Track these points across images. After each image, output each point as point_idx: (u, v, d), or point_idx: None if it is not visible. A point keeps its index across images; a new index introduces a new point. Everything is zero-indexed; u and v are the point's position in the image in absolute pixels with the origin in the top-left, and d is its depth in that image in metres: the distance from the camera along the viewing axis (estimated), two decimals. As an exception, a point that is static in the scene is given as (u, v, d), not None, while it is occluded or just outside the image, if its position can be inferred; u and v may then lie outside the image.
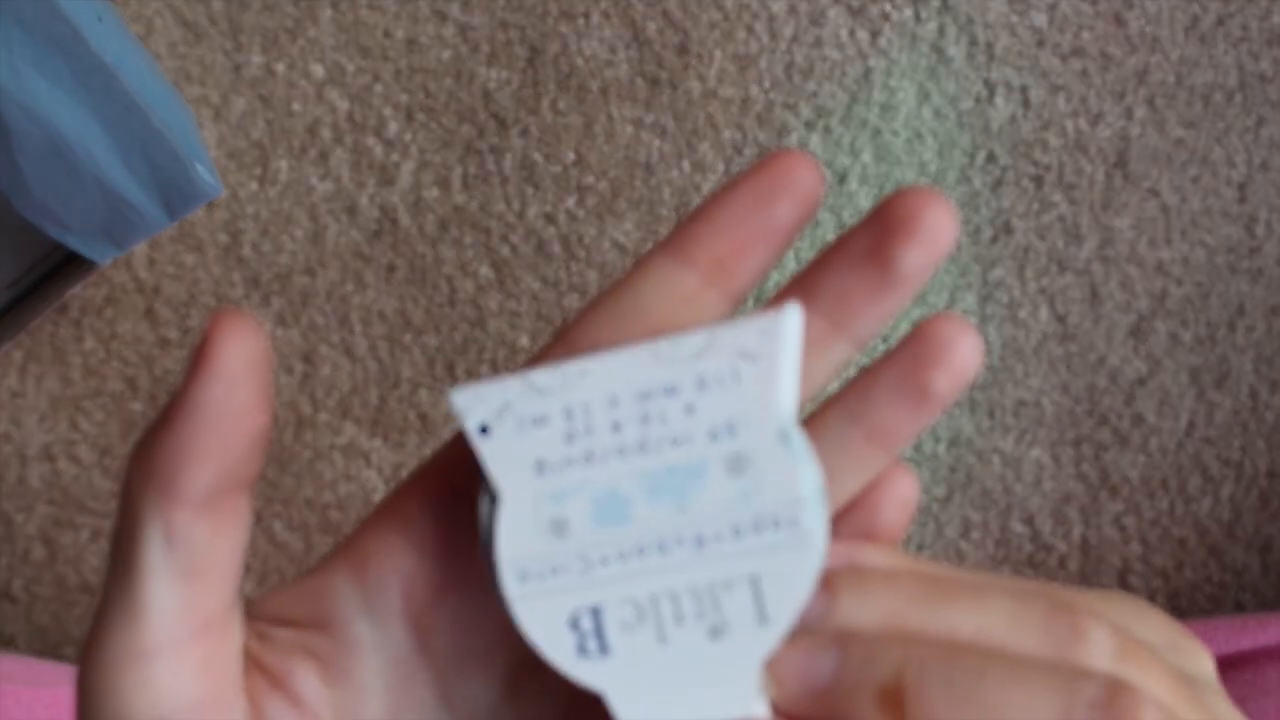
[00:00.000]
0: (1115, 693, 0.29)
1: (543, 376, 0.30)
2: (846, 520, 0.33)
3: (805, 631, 0.30)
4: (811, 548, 0.29)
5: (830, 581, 0.30)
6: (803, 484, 0.29)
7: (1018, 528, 0.76)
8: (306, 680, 0.32)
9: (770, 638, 0.29)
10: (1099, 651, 0.30)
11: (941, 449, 0.75)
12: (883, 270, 0.31)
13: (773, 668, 0.30)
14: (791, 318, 0.30)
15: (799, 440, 0.30)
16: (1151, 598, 0.76)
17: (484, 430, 0.30)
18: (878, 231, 0.31)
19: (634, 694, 0.30)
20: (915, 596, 0.30)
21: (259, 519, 0.77)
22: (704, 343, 0.30)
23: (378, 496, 0.75)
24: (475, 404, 0.30)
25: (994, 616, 0.30)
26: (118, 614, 0.31)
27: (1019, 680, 0.29)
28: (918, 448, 0.75)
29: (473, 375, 0.74)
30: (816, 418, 0.33)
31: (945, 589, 0.30)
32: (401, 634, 0.32)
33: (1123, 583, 0.76)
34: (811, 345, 0.32)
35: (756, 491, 0.30)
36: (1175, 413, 0.75)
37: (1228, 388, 0.75)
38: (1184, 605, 0.76)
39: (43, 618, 0.78)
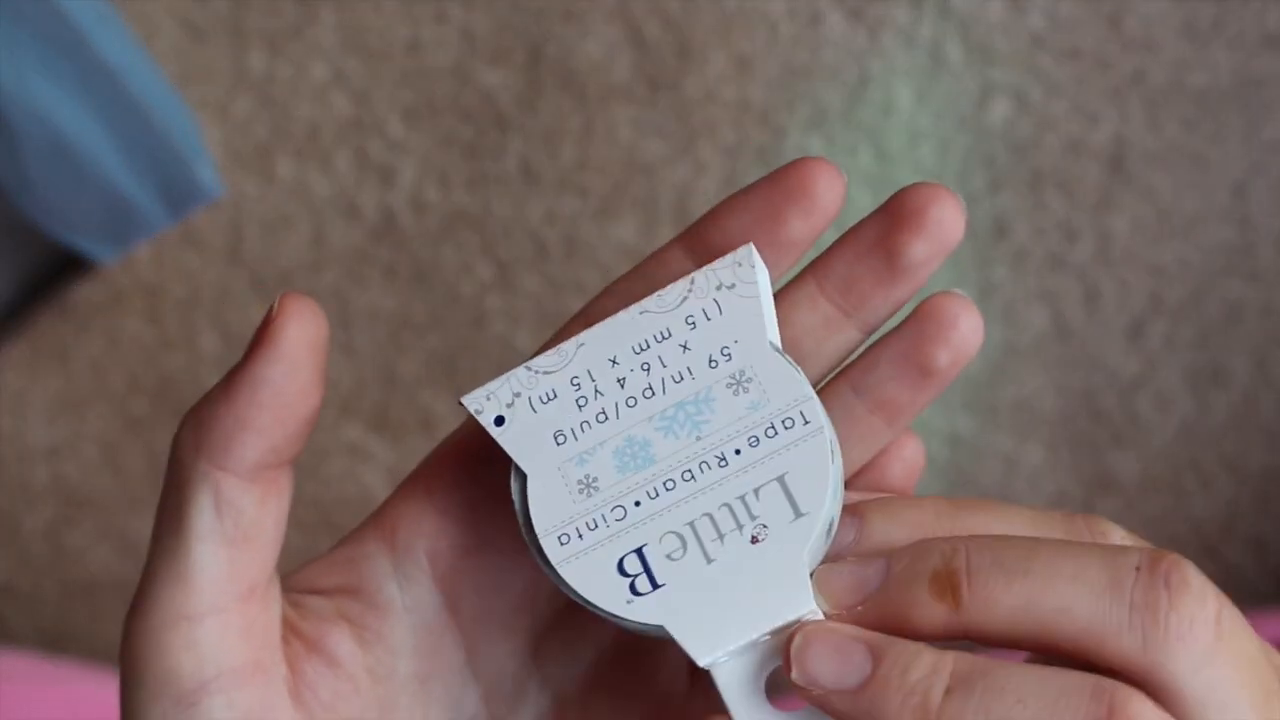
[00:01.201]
0: (1158, 558, 0.30)
1: (543, 360, 0.32)
2: (854, 482, 0.34)
3: (839, 558, 0.31)
4: (823, 434, 0.31)
5: (857, 509, 0.31)
6: (805, 385, 0.31)
7: (1015, 526, 0.76)
8: (341, 643, 0.33)
9: (809, 527, 0.31)
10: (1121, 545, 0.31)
11: (939, 448, 0.75)
12: (890, 260, 0.33)
13: (822, 585, 0.31)
14: (756, 250, 0.32)
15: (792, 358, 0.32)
16: (1148, 596, 0.76)
17: (499, 422, 0.32)
18: (887, 223, 0.33)
19: (694, 619, 0.31)
20: (940, 512, 0.31)
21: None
22: (685, 289, 0.32)
23: (379, 495, 0.76)
24: (486, 402, 0.32)
25: (1016, 522, 0.31)
26: (165, 577, 0.32)
27: (1067, 552, 0.30)
28: (915, 447, 0.75)
29: (473, 375, 0.75)
30: (824, 390, 0.34)
31: (968, 505, 0.31)
32: (430, 597, 0.33)
33: (1119, 581, 0.76)
34: (820, 328, 0.33)
35: (763, 400, 0.31)
36: (1171, 412, 0.75)
37: (1223, 387, 0.75)
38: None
39: (46, 616, 0.79)
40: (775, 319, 0.32)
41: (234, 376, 0.31)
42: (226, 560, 0.32)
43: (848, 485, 0.33)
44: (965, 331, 0.33)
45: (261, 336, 0.31)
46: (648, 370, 0.32)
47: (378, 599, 0.33)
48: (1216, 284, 0.74)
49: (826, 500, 0.31)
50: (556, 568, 0.31)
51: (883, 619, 0.30)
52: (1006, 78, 0.73)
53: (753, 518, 0.31)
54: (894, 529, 0.31)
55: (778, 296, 0.33)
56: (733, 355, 0.32)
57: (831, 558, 0.31)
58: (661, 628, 0.31)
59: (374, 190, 0.74)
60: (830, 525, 0.31)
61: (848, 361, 0.34)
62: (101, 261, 0.73)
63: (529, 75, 0.73)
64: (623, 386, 0.32)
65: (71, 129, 0.68)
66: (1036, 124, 0.73)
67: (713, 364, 0.32)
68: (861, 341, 0.34)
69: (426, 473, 0.34)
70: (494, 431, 0.32)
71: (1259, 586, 0.76)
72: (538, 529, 0.32)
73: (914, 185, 0.33)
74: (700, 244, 0.33)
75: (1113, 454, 0.75)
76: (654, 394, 0.32)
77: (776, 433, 0.31)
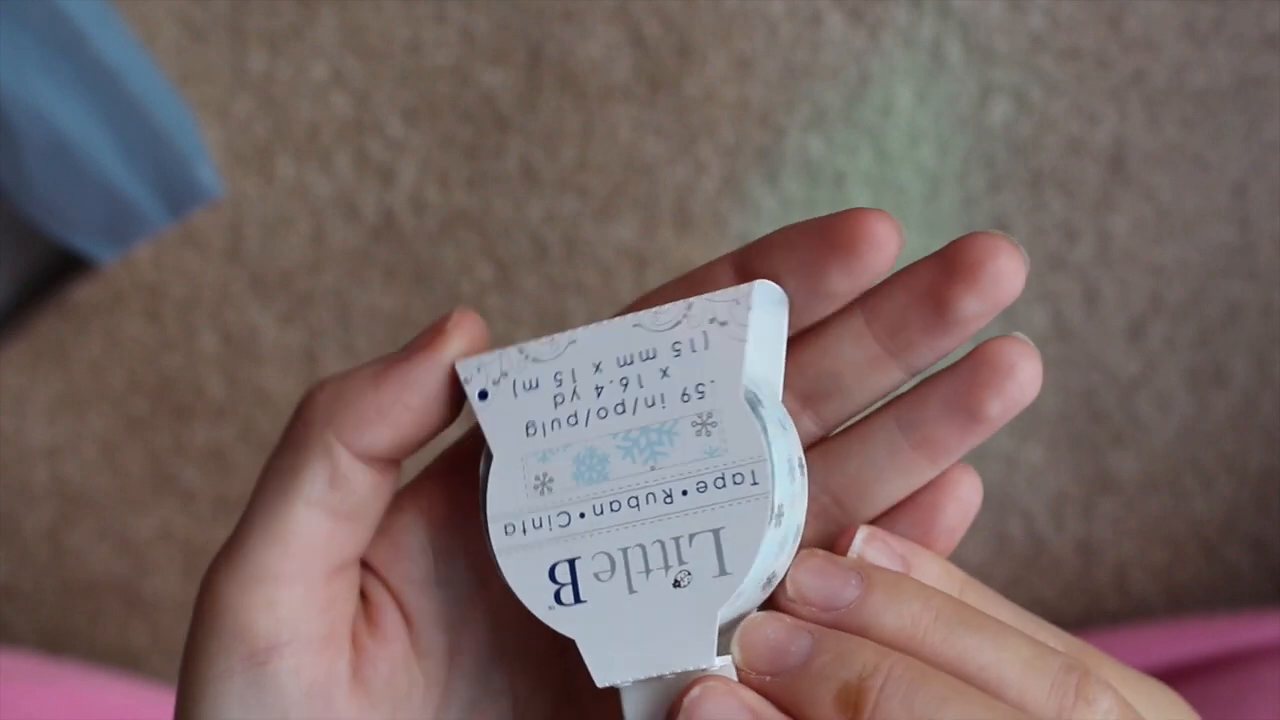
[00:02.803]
0: None
1: (536, 346, 0.32)
2: (906, 516, 0.33)
3: (829, 610, 0.31)
4: (766, 500, 0.30)
5: (869, 576, 0.31)
6: (763, 445, 0.31)
7: (1015, 526, 0.76)
8: (394, 620, 0.34)
9: (729, 588, 0.31)
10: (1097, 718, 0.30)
11: (939, 448, 0.75)
12: (940, 311, 0.32)
13: (745, 635, 0.31)
14: (761, 290, 0.31)
15: (770, 408, 0.31)
16: (1148, 596, 0.76)
17: (483, 396, 0.32)
18: (943, 271, 0.32)
19: (603, 641, 0.31)
20: (941, 615, 0.31)
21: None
22: (681, 313, 0.32)
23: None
24: (476, 373, 0.32)
25: (1008, 656, 0.30)
26: (262, 534, 0.32)
27: (982, 713, 0.29)
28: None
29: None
30: (870, 420, 0.33)
31: (971, 619, 0.31)
32: (464, 572, 0.34)
33: (1119, 581, 0.76)
34: (864, 365, 0.33)
35: (721, 448, 0.31)
36: (1171, 412, 0.75)
37: (1223, 387, 0.75)
38: (1180, 603, 0.77)
39: (47, 616, 0.79)
40: (774, 361, 0.32)
41: (389, 369, 0.32)
42: (327, 532, 0.32)
43: (896, 518, 0.33)
44: (1022, 381, 0.33)
45: (427, 341, 0.32)
46: (625, 386, 0.32)
47: (414, 574, 0.34)
48: (1216, 284, 0.74)
49: (755, 564, 0.30)
50: (496, 555, 0.32)
51: (781, 702, 0.30)
52: (1006, 78, 0.73)
53: (681, 562, 0.31)
54: (887, 615, 0.31)
55: (825, 325, 0.33)
56: (705, 395, 0.31)
57: (819, 613, 0.31)
58: (576, 640, 0.31)
59: (374, 190, 0.74)
60: (769, 579, 0.31)
61: (897, 393, 0.33)
62: (101, 261, 0.73)
63: (529, 75, 0.73)
64: (598, 395, 0.32)
65: (71, 129, 0.68)
66: (1036, 124, 0.73)
67: (685, 398, 0.31)
68: (905, 381, 0.34)
69: (457, 450, 0.34)
70: (475, 404, 0.32)
71: (1259, 586, 0.76)
72: (489, 513, 0.32)
73: (976, 235, 0.32)
74: (747, 267, 0.33)
75: (1113, 454, 0.75)
76: (624, 412, 0.32)
77: (724, 485, 0.31)
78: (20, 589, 0.78)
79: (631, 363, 0.32)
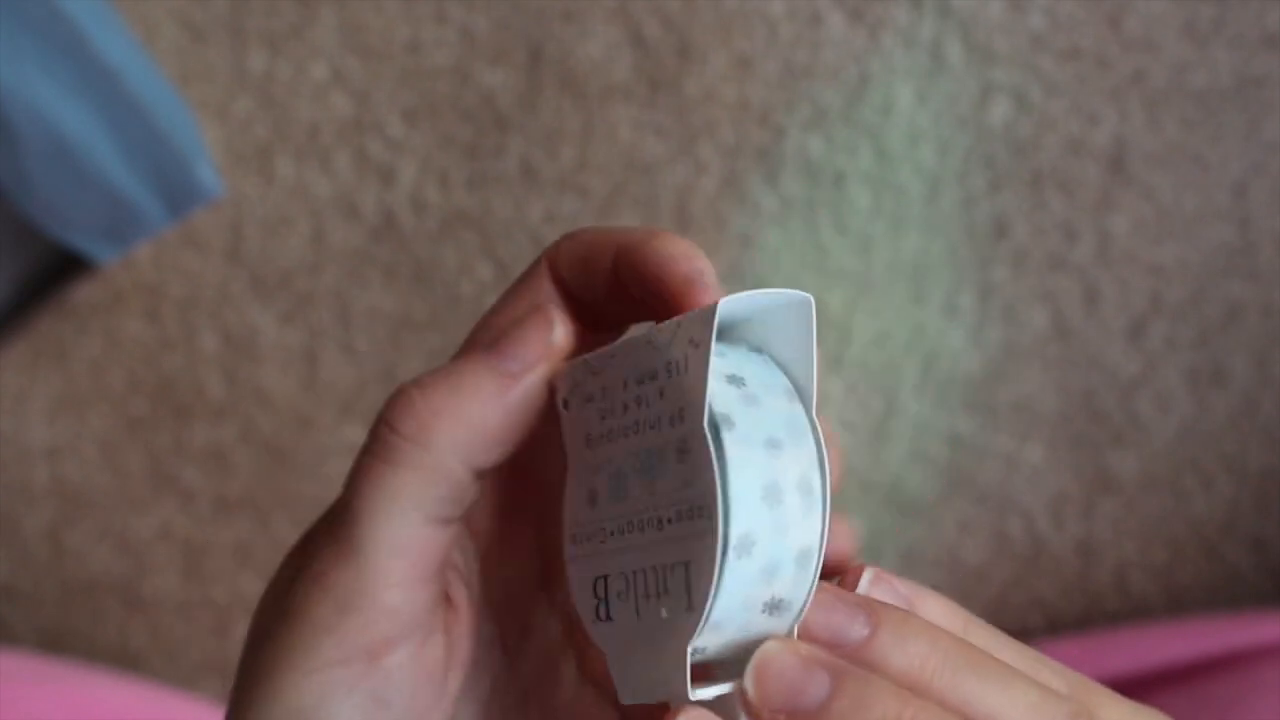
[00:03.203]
0: None
1: (595, 359, 0.32)
2: None
3: (838, 647, 0.30)
4: (712, 537, 0.29)
5: (877, 614, 0.31)
6: (726, 475, 0.29)
7: (1015, 526, 0.76)
8: (460, 593, 0.35)
9: (693, 624, 0.30)
10: None
11: (939, 448, 0.75)
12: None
13: (758, 667, 0.30)
14: (726, 305, 0.30)
15: (756, 425, 0.30)
16: (1148, 596, 0.76)
17: (565, 405, 0.33)
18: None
19: (622, 660, 0.32)
20: (948, 657, 0.31)
21: (261, 519, 0.77)
22: (672, 331, 0.31)
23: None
24: (560, 382, 0.33)
25: (1014, 700, 0.30)
26: (384, 547, 0.33)
27: None
28: (917, 447, 0.75)
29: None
30: None
31: (979, 663, 0.31)
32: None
33: (1119, 581, 0.76)
34: None
35: (691, 479, 0.30)
36: (1171, 412, 0.75)
37: (1223, 387, 0.75)
38: (1180, 603, 0.77)
39: (47, 616, 0.79)
40: (793, 365, 0.31)
41: (509, 387, 0.32)
42: (443, 540, 0.33)
43: None
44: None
45: (539, 353, 0.33)
46: (640, 405, 0.31)
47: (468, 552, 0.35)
48: (1216, 284, 0.74)
49: (719, 599, 0.29)
50: (566, 562, 0.33)
51: None
52: (1006, 78, 0.73)
53: (666, 591, 0.30)
54: (895, 654, 0.30)
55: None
56: (683, 420, 0.30)
57: (820, 639, 0.31)
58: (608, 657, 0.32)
59: (374, 190, 0.74)
60: (773, 605, 0.30)
61: None
62: (101, 261, 0.73)
63: (529, 75, 0.73)
64: (624, 413, 0.32)
65: (71, 129, 0.68)
66: (1036, 124, 0.73)
67: (671, 423, 0.31)
68: None
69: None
70: (561, 414, 0.33)
71: (1259, 586, 0.76)
72: (564, 518, 0.33)
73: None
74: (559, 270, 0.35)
75: (1113, 454, 0.75)
76: (637, 432, 0.31)
77: (691, 518, 0.30)
78: (20, 589, 0.78)
79: (643, 382, 0.31)
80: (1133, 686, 0.68)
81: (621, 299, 0.33)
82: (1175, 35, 0.72)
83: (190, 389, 0.76)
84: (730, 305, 0.30)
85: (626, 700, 0.31)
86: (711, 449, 0.29)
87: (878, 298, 0.74)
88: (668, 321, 0.31)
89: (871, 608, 0.31)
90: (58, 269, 0.75)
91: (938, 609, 0.32)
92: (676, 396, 0.30)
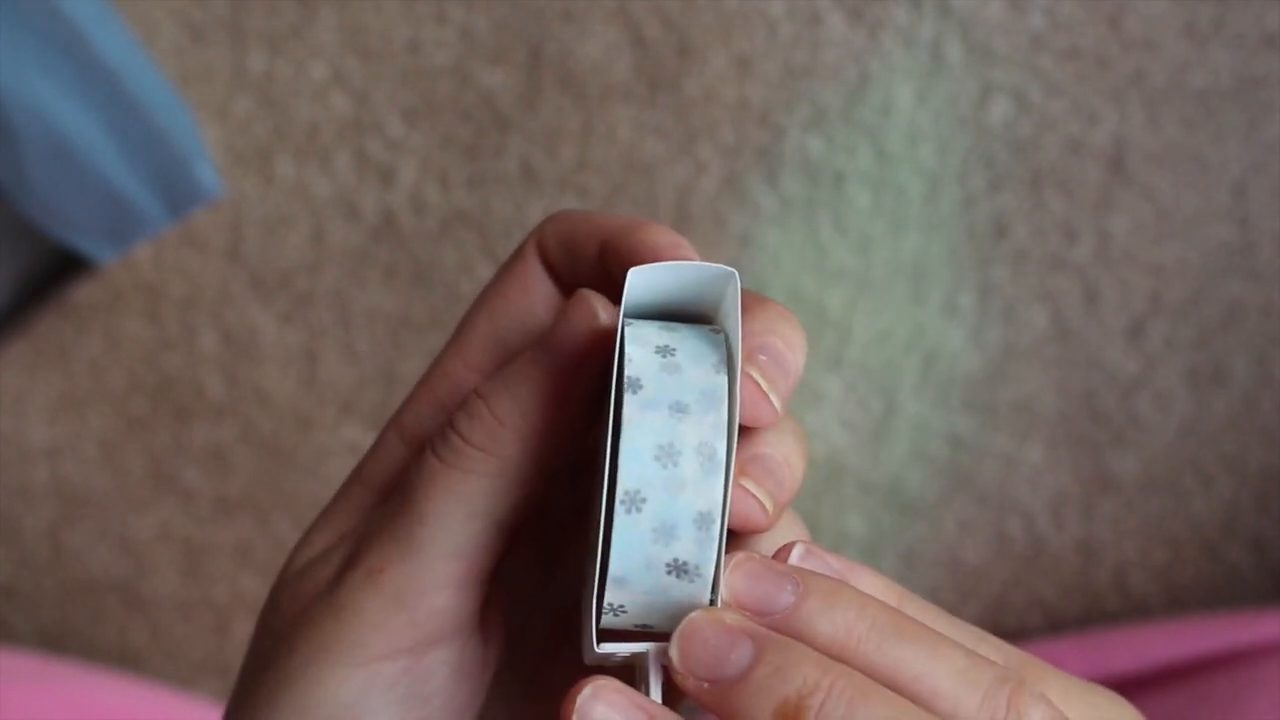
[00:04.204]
0: None
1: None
2: None
3: (763, 614, 0.31)
4: (601, 495, 0.31)
5: (805, 582, 0.31)
6: (620, 432, 0.31)
7: (1015, 526, 0.76)
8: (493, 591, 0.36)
9: (594, 579, 0.31)
10: None
11: (939, 448, 0.75)
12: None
13: (682, 636, 0.30)
14: (634, 275, 0.32)
15: (666, 389, 0.31)
16: (1148, 596, 0.76)
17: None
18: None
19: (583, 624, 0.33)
20: (876, 624, 0.31)
21: (261, 519, 0.77)
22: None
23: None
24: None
25: (941, 667, 0.30)
26: (446, 548, 0.33)
27: None
28: (917, 447, 0.75)
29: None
30: None
31: (907, 629, 0.31)
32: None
33: (1119, 581, 0.76)
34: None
35: (603, 440, 0.32)
36: (1171, 412, 0.75)
37: (1223, 387, 0.75)
38: (1180, 603, 0.76)
39: (47, 616, 0.79)
40: (662, 353, 0.32)
41: (566, 385, 0.33)
42: (497, 542, 0.33)
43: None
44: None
45: (585, 352, 0.33)
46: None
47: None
48: (1216, 284, 0.74)
49: (604, 551, 0.31)
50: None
51: (717, 710, 0.30)
52: (1006, 78, 0.73)
53: (590, 550, 0.32)
54: (822, 621, 0.31)
55: None
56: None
57: (747, 606, 0.31)
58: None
59: (374, 190, 0.74)
60: (676, 567, 0.31)
61: None
62: (101, 261, 0.73)
63: (529, 75, 0.73)
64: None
65: (71, 129, 0.68)
66: (1036, 124, 0.73)
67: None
68: None
69: (442, 388, 0.36)
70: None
71: (1259, 586, 0.76)
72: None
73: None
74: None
75: (1113, 454, 0.75)
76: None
77: (594, 475, 0.33)
78: (20, 589, 0.78)
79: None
80: (1133, 686, 0.68)
81: (608, 284, 0.34)
82: (1175, 35, 0.72)
83: (190, 389, 0.76)
84: (638, 274, 0.32)
85: (588, 661, 0.32)
86: (610, 410, 0.31)
87: (878, 298, 0.74)
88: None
89: (800, 576, 0.31)
90: (58, 269, 0.75)
91: (871, 582, 0.33)
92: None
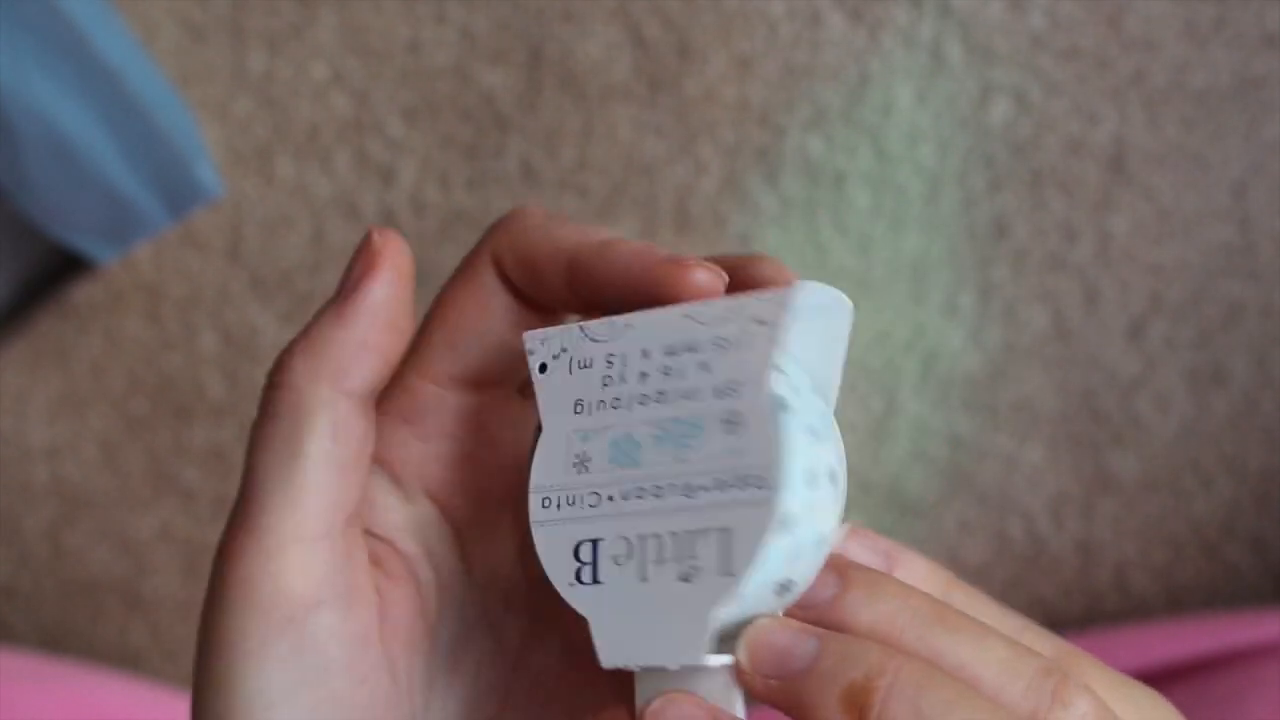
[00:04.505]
0: None
1: (595, 326, 0.33)
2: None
3: (807, 607, 0.31)
4: (770, 506, 0.30)
5: (847, 573, 0.31)
6: (784, 451, 0.30)
7: (1015, 526, 0.76)
8: (396, 563, 0.35)
9: (727, 589, 0.30)
10: None
11: (939, 448, 0.75)
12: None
13: (751, 638, 0.31)
14: (801, 292, 0.31)
15: (803, 413, 0.31)
16: (1148, 596, 0.76)
17: (543, 369, 0.33)
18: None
19: (611, 625, 0.32)
20: (919, 614, 0.31)
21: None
22: (728, 308, 0.31)
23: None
24: (540, 345, 0.33)
25: (985, 656, 0.31)
26: (279, 500, 0.33)
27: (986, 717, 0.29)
28: (917, 447, 0.75)
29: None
30: None
31: (949, 619, 0.31)
32: (427, 507, 0.36)
33: (1119, 581, 0.76)
34: None
35: (743, 450, 0.31)
36: (1171, 412, 0.75)
37: (1223, 387, 0.75)
38: (1180, 603, 0.77)
39: (47, 616, 0.79)
40: (828, 364, 0.32)
41: (345, 305, 0.33)
42: (337, 485, 0.33)
43: None
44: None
45: (365, 263, 0.33)
46: (666, 375, 0.32)
47: (388, 515, 0.35)
48: (1216, 284, 0.74)
49: (758, 569, 0.30)
50: (531, 526, 0.33)
51: (787, 706, 0.30)
52: (1006, 78, 0.73)
53: (691, 556, 0.31)
54: (864, 612, 0.31)
55: None
56: (736, 393, 0.31)
57: (796, 610, 0.31)
58: (588, 620, 0.32)
59: (374, 190, 0.74)
60: (782, 586, 0.31)
61: None
62: (101, 261, 0.73)
63: (529, 75, 0.73)
64: (641, 381, 0.32)
65: (71, 129, 0.68)
66: (1036, 124, 0.73)
67: (718, 394, 0.31)
68: None
69: (401, 402, 0.35)
70: (535, 376, 0.33)
71: (1259, 586, 0.76)
72: (531, 484, 0.33)
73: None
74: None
75: (1113, 454, 0.75)
76: (662, 400, 0.32)
77: (739, 487, 0.31)
78: (20, 589, 0.78)
79: (676, 353, 0.32)
80: (1133, 686, 0.68)
81: (578, 303, 0.34)
82: (1175, 35, 0.72)
83: (190, 389, 0.76)
84: (805, 291, 0.31)
85: (607, 664, 0.32)
86: (777, 425, 0.30)
87: (878, 298, 0.74)
88: (718, 300, 0.32)
89: (841, 569, 0.31)
90: (58, 269, 0.75)
91: (919, 566, 0.33)
92: (728, 370, 0.31)
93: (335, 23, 0.73)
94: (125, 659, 0.78)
